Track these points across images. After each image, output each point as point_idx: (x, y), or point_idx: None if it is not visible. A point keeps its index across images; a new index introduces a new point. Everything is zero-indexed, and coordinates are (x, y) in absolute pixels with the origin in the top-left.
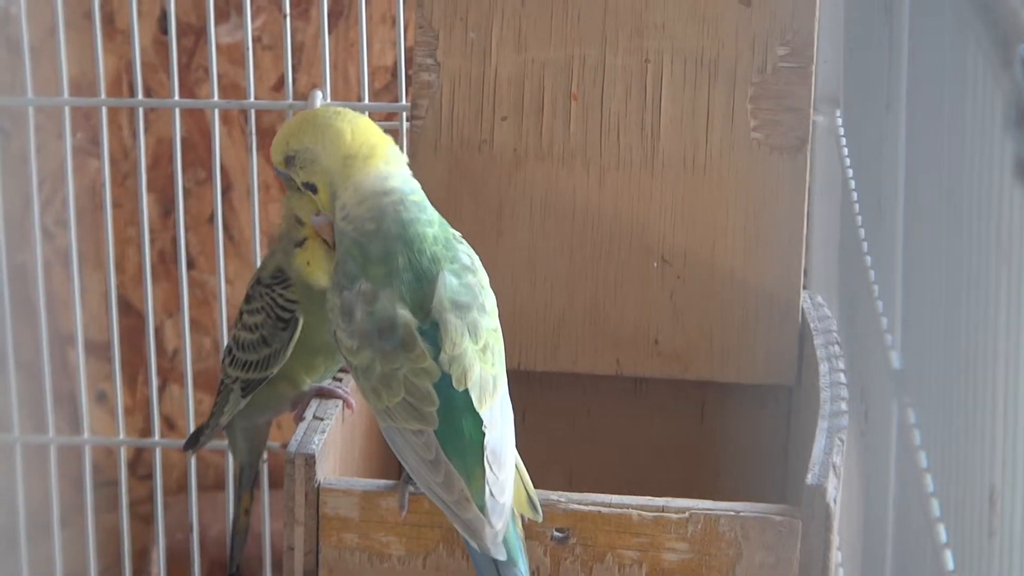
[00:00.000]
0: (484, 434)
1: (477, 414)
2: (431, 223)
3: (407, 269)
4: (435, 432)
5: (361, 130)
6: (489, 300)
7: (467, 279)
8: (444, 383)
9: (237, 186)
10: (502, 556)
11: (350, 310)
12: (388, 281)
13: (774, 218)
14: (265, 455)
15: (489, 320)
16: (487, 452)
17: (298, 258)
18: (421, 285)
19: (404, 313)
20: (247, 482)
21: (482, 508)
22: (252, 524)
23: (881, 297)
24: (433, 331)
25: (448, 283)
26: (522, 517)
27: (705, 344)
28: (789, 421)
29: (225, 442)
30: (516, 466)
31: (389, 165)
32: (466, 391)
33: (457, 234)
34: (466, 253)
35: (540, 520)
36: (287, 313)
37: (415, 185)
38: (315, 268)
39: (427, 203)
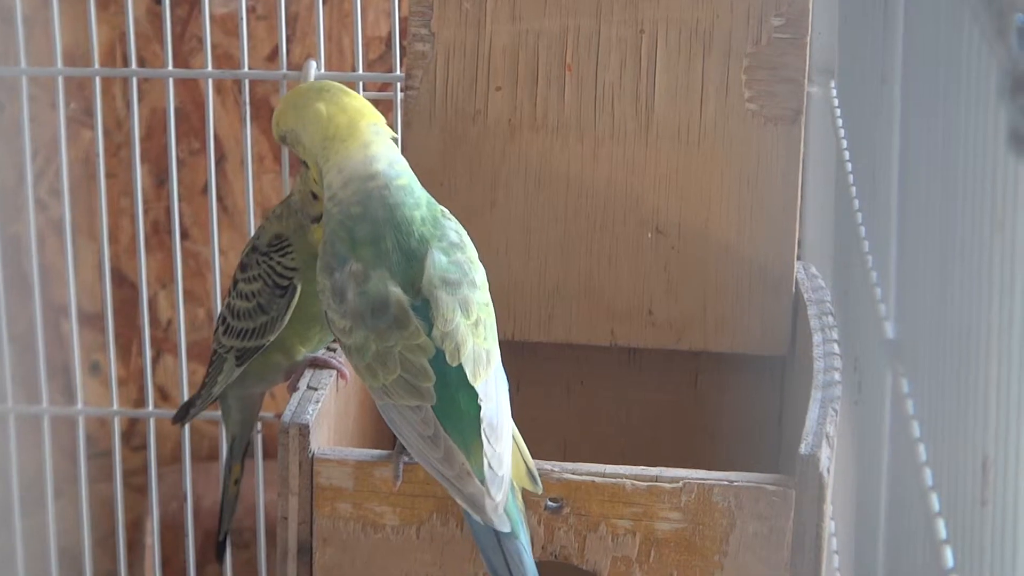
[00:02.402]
0: (480, 407)
1: (472, 388)
2: (418, 205)
3: (396, 250)
4: (432, 408)
5: (341, 108)
6: (479, 275)
7: (456, 256)
8: (438, 359)
9: (231, 157)
10: (505, 528)
11: (341, 291)
12: (378, 261)
13: (768, 189)
14: (258, 425)
15: (480, 295)
16: (484, 425)
17: (315, 233)
18: (410, 264)
19: (396, 291)
20: (238, 453)
21: (481, 481)
22: (246, 495)
23: (875, 267)
24: (424, 308)
25: (437, 261)
26: (522, 490)
27: (699, 315)
28: (783, 391)
29: (219, 412)
30: (514, 439)
31: (372, 146)
32: (460, 366)
33: (445, 211)
34: (454, 230)
35: (540, 492)
36: (285, 280)
37: (401, 168)
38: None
39: (414, 185)
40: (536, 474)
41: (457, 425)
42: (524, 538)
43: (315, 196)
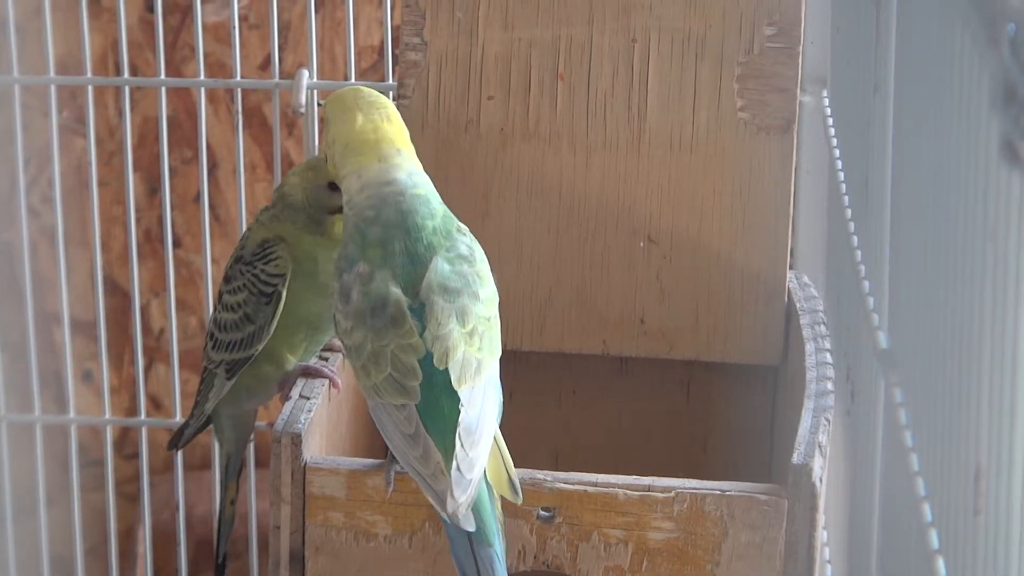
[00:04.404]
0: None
1: (456, 393)
2: (432, 216)
3: (403, 253)
4: (416, 407)
5: (372, 121)
6: (484, 290)
7: (461, 267)
8: (428, 360)
9: (223, 165)
10: (470, 527)
11: (348, 292)
12: (384, 263)
13: (761, 198)
14: (251, 435)
15: (482, 308)
16: (460, 429)
17: (337, 225)
18: (415, 269)
19: (396, 291)
20: (233, 472)
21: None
22: (238, 504)
23: (868, 277)
24: (422, 312)
25: (439, 268)
26: (502, 499)
27: (691, 324)
28: (775, 401)
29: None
30: (498, 447)
31: (394, 159)
32: (447, 370)
33: (463, 227)
34: (466, 244)
35: (520, 502)
36: (270, 288)
37: (421, 180)
38: None
39: (432, 198)
40: (518, 485)
41: (438, 426)
42: (499, 547)
43: (333, 188)
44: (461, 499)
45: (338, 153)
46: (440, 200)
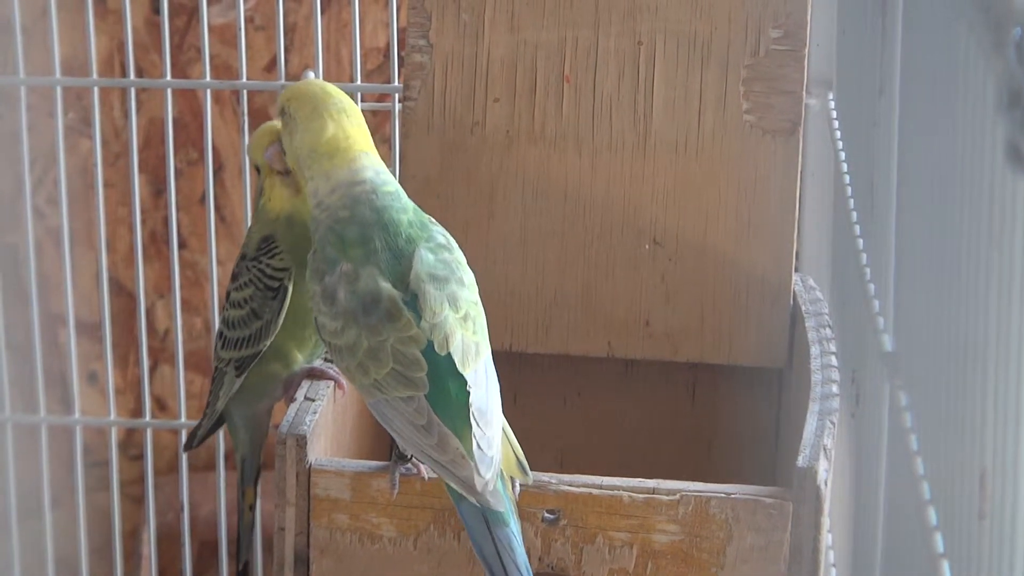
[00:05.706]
0: (469, 394)
1: (461, 376)
2: (405, 210)
3: (384, 249)
4: (425, 396)
5: (343, 129)
6: (468, 276)
7: (443, 256)
8: (429, 349)
9: (229, 166)
10: (500, 507)
11: (332, 293)
12: (367, 260)
13: (766, 201)
14: (266, 437)
15: (469, 293)
16: (473, 410)
17: (261, 200)
18: (399, 263)
19: (387, 286)
20: (249, 475)
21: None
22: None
23: (873, 280)
24: (413, 302)
25: (424, 258)
26: (512, 481)
27: (696, 326)
28: (780, 403)
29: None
30: (504, 430)
31: (360, 160)
32: (449, 355)
33: (433, 219)
34: (441, 234)
35: (531, 482)
36: (275, 282)
37: (388, 177)
38: (274, 201)
39: (401, 193)
40: (526, 464)
41: (448, 412)
42: (515, 526)
43: (259, 170)
44: (488, 476)
45: (304, 156)
46: (407, 196)
